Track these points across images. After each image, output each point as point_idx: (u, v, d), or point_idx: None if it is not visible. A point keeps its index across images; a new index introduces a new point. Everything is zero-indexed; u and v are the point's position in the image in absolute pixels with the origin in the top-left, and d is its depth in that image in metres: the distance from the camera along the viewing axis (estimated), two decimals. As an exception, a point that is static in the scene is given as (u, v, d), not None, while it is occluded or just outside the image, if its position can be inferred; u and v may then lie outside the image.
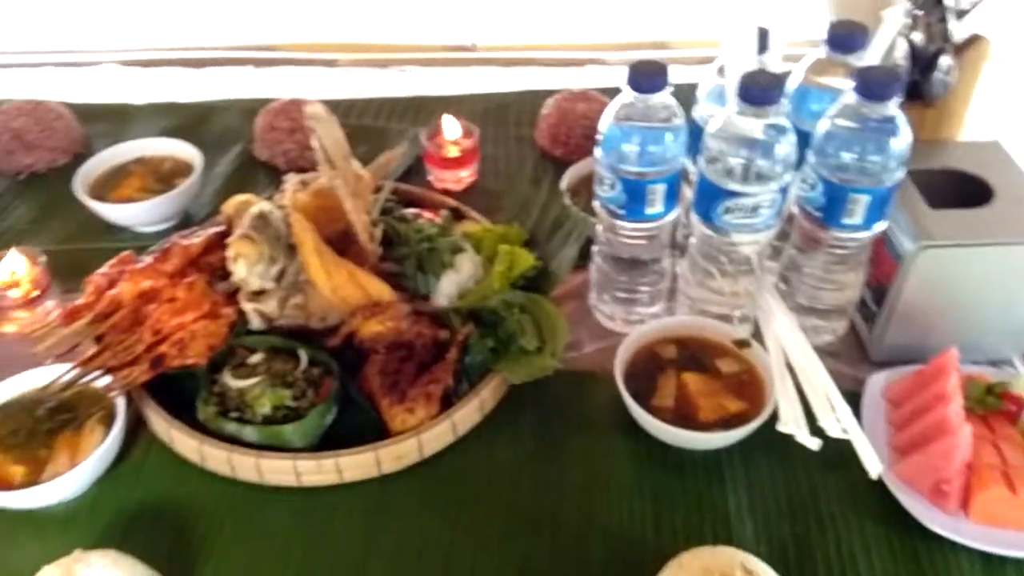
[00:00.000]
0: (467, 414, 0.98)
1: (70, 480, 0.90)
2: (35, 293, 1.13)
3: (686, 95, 0.97)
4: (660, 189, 0.94)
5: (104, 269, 1.06)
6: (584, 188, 1.23)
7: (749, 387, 0.96)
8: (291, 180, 1.17)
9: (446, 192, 1.32)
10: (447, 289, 1.09)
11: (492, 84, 1.68)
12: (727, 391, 0.96)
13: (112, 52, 1.88)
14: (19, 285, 1.12)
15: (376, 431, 0.97)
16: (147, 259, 1.05)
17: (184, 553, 0.89)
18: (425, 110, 1.57)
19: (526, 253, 1.10)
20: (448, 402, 0.99)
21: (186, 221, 1.33)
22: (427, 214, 1.21)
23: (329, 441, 0.96)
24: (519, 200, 1.25)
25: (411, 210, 1.20)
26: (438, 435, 0.96)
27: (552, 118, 1.41)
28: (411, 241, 1.11)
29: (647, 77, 0.88)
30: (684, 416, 0.93)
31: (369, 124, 1.54)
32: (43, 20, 2.00)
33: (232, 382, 0.97)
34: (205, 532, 0.91)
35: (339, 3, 2.09)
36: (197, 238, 1.10)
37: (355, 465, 0.93)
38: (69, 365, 0.98)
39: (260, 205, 1.04)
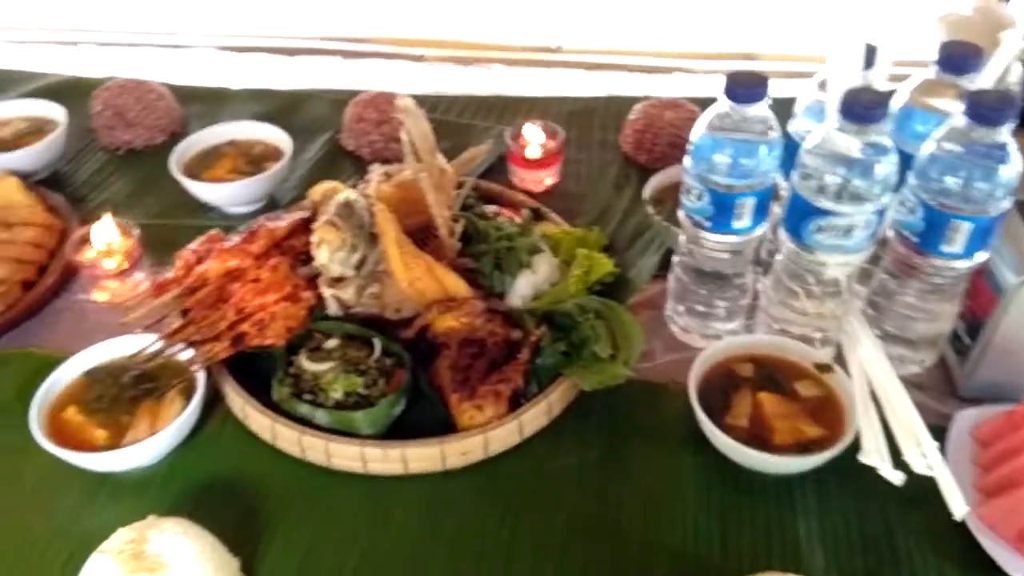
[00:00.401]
0: (534, 416, 0.97)
1: (148, 447, 0.93)
2: (127, 264, 1.17)
3: (780, 109, 0.95)
4: (749, 203, 0.92)
5: (193, 245, 1.10)
6: (668, 197, 1.21)
7: (828, 413, 0.93)
8: (376, 171, 1.19)
9: (527, 192, 1.32)
10: (522, 289, 1.09)
11: (576, 87, 1.67)
12: (804, 415, 0.93)
13: (210, 37, 1.95)
14: (113, 255, 1.16)
15: (443, 425, 0.97)
16: (234, 239, 1.08)
17: (251, 528, 0.91)
18: (510, 109, 1.58)
19: (604, 259, 1.08)
20: (516, 403, 0.98)
21: (272, 204, 1.36)
22: (507, 213, 1.21)
23: (396, 431, 0.97)
24: (600, 205, 1.24)
25: (491, 207, 1.20)
26: (504, 435, 0.96)
27: (638, 124, 1.39)
28: (490, 239, 1.11)
29: (745, 87, 0.86)
30: (758, 437, 0.91)
31: (453, 120, 1.55)
32: (147, 2, 2.09)
33: (308, 365, 0.99)
34: (272, 510, 0.93)
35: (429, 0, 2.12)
36: (283, 222, 1.13)
37: (420, 457, 0.94)
38: (155, 336, 1.01)
39: (346, 193, 1.05)
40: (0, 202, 1.26)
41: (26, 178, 1.33)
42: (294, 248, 1.12)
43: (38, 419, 0.93)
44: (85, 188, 1.41)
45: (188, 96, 1.61)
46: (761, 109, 0.88)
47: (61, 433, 0.94)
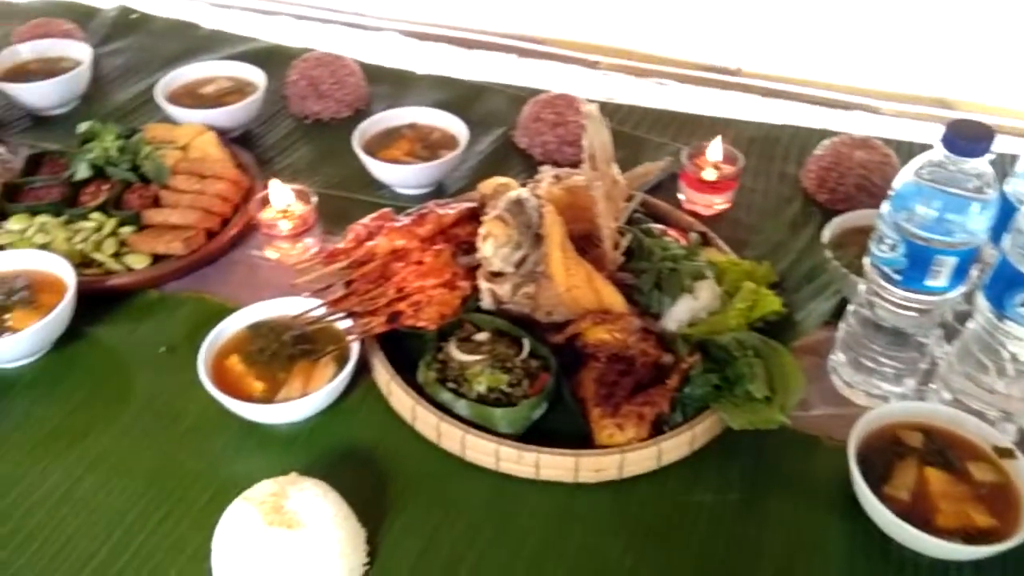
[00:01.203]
0: (675, 445, 0.94)
1: (299, 406, 0.97)
2: (301, 228, 1.22)
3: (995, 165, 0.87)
4: (950, 262, 0.84)
5: (365, 220, 1.13)
6: (850, 242, 1.14)
7: (1003, 502, 0.84)
8: (547, 172, 1.19)
9: (694, 215, 1.28)
10: (680, 314, 1.05)
11: (751, 112, 1.60)
12: (976, 500, 0.85)
13: (395, 21, 2.01)
14: (290, 218, 1.22)
15: (578, 437, 0.96)
16: (404, 220, 1.11)
17: (379, 502, 0.92)
18: (687, 128, 1.54)
19: (772, 296, 1.03)
20: (658, 428, 0.95)
21: (440, 190, 1.39)
22: (673, 233, 1.17)
23: (531, 434, 0.96)
24: (772, 239, 1.18)
25: (658, 226, 1.18)
26: (642, 458, 0.93)
27: (824, 161, 1.32)
28: (654, 257, 1.09)
29: (968, 139, 0.79)
30: (919, 514, 0.84)
31: (628, 132, 1.53)
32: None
33: (456, 354, 1.00)
34: (402, 489, 0.94)
35: (609, 7, 2.10)
36: (451, 209, 1.14)
37: (553, 465, 0.93)
38: (319, 301, 1.05)
39: (519, 191, 1.05)
40: (197, 154, 1.36)
41: (222, 134, 1.42)
42: (457, 237, 1.14)
43: (205, 363, 0.99)
44: (272, 151, 1.49)
45: (375, 75, 1.66)
46: (981, 164, 0.81)
47: (223, 379, 0.99)
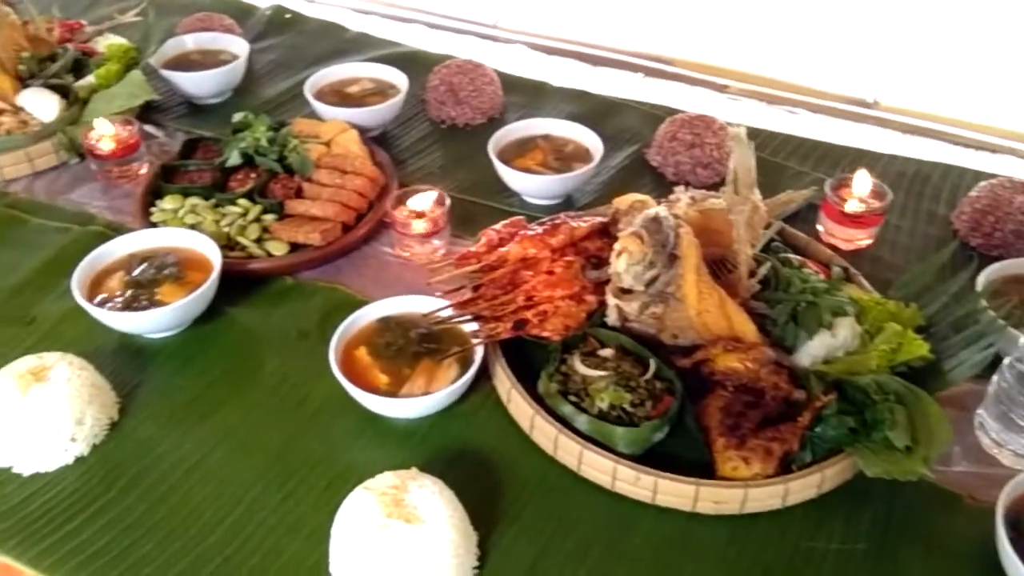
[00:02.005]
0: (803, 486, 0.90)
1: (422, 403, 0.98)
2: (432, 229, 1.25)
3: None
4: None
5: (497, 227, 1.14)
6: (1009, 291, 1.06)
7: None
8: (683, 193, 1.16)
9: (832, 248, 1.23)
10: (815, 350, 1.01)
11: (885, 146, 1.52)
12: None
13: (526, 35, 2.02)
14: (423, 219, 1.24)
15: (699, 466, 0.93)
16: (537, 229, 1.11)
17: (493, 507, 0.92)
18: (829, 158, 1.48)
19: (919, 341, 0.98)
20: (786, 467, 0.92)
21: (569, 202, 1.39)
22: (812, 265, 1.13)
23: (649, 457, 0.94)
24: (920, 282, 1.12)
25: (796, 257, 1.13)
26: (766, 496, 0.90)
27: (980, 203, 1.25)
28: (791, 288, 1.05)
29: None
30: (1074, 592, 0.77)
31: (766, 157, 1.48)
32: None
33: (580, 368, 0.99)
34: (514, 497, 0.94)
35: (740, 30, 2.06)
36: (584, 222, 1.14)
37: (672, 492, 0.90)
38: (447, 302, 1.06)
39: (656, 210, 1.04)
40: (339, 150, 1.40)
41: (362, 133, 1.46)
42: (587, 250, 1.13)
43: (335, 352, 1.01)
44: (407, 152, 1.52)
45: (510, 85, 1.68)
46: None
47: (350, 369, 1.02)
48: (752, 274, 1.06)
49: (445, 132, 1.59)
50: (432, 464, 0.96)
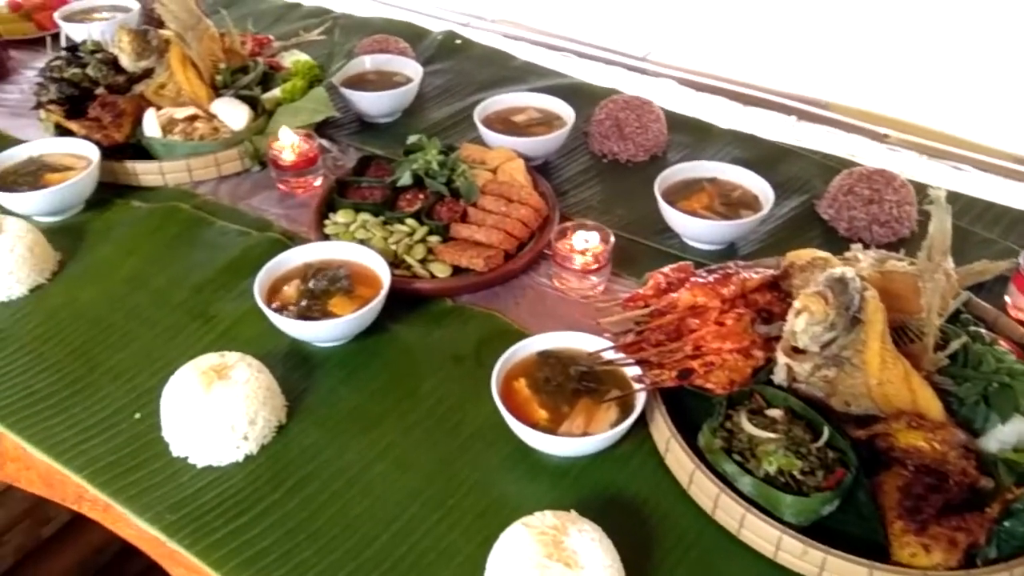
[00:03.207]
0: (989, 585, 0.83)
1: (580, 444, 0.98)
2: (593, 266, 1.24)
3: None
4: None
5: (666, 270, 1.12)
6: None
7: None
8: (863, 252, 1.12)
9: (1022, 324, 1.14)
10: (1007, 436, 0.94)
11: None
12: None
13: (675, 69, 2.00)
14: (586, 255, 1.24)
15: (870, 546, 0.88)
16: (707, 277, 1.08)
17: (645, 558, 0.91)
18: (1020, 226, 1.38)
19: None
20: (969, 560, 0.85)
21: (731, 249, 1.35)
22: (1004, 343, 1.05)
23: (815, 529, 0.90)
24: None
25: (988, 333, 1.06)
26: (945, 589, 0.83)
27: None
28: (983, 366, 0.98)
29: None
30: None
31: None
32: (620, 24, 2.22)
33: (747, 426, 0.96)
34: (669, 551, 0.92)
35: (903, 76, 1.96)
36: (755, 274, 1.11)
37: (842, 571, 0.86)
38: (610, 342, 1.05)
39: (843, 270, 0.99)
40: (505, 177, 1.42)
41: (526, 162, 1.48)
42: (756, 303, 1.10)
43: (497, 380, 1.02)
44: (568, 184, 1.53)
45: (675, 123, 1.66)
46: None
47: (509, 399, 1.02)
48: (938, 347, 0.99)
49: (606, 166, 1.58)
50: (584, 506, 0.94)
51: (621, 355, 1.04)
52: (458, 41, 2.02)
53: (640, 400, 1.00)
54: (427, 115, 1.75)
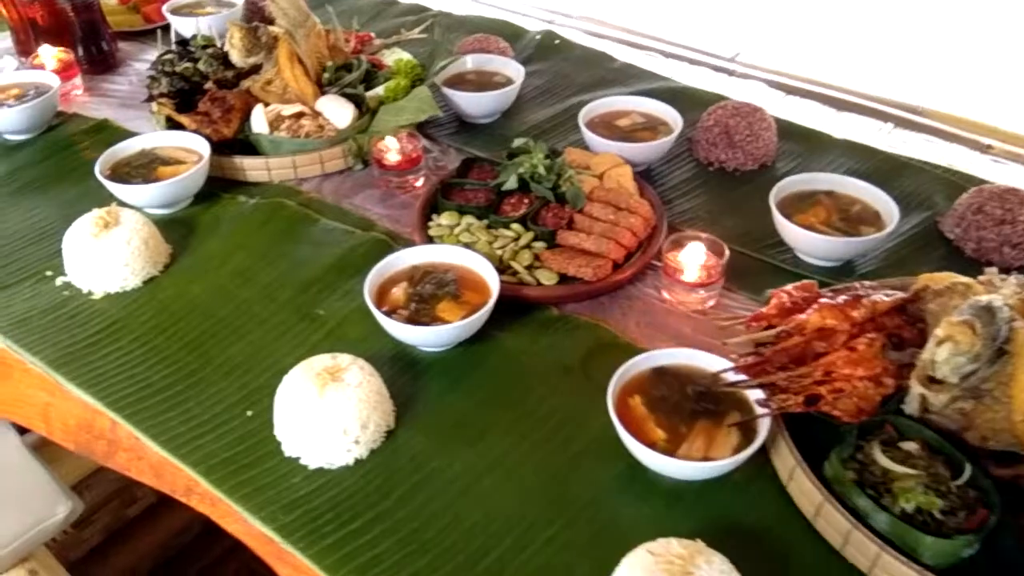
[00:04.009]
0: None
1: (702, 468, 0.94)
2: (710, 280, 1.20)
3: None
4: None
5: (789, 288, 1.08)
6: None
7: None
8: (1007, 279, 1.05)
9: None
10: None
11: None
12: None
13: (763, 71, 1.95)
14: (696, 268, 1.20)
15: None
16: (835, 298, 1.04)
17: (769, 594, 0.87)
18: None
19: None
20: None
21: (847, 267, 1.30)
22: None
23: (952, 571, 0.84)
24: None
25: None
26: (1104, 650, 0.77)
27: None
28: None
29: None
30: None
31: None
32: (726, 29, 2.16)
33: (881, 459, 0.91)
34: (793, 587, 0.88)
35: (1006, 86, 1.85)
36: (884, 296, 1.05)
37: (986, 622, 0.80)
38: (729, 363, 1.01)
39: (990, 298, 0.93)
40: (612, 184, 1.39)
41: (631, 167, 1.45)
42: (884, 326, 1.04)
43: (613, 397, 0.99)
44: (673, 192, 1.49)
45: (784, 131, 1.60)
46: None
47: (624, 416, 0.99)
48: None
49: (713, 175, 1.54)
50: (704, 534, 0.90)
51: (743, 377, 0.99)
52: (556, 41, 2.00)
53: (764, 426, 0.96)
54: (526, 116, 1.73)
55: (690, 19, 2.30)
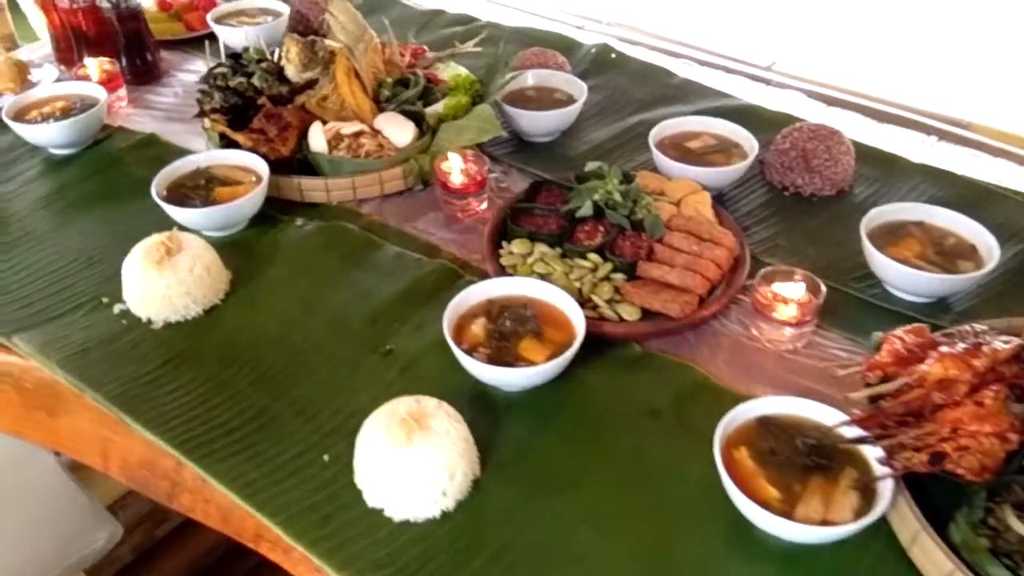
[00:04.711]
0: None
1: (822, 532, 0.88)
2: (800, 318, 1.14)
3: None
4: None
5: (900, 334, 1.02)
6: None
7: None
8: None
9: None
10: None
11: None
12: None
13: (801, 80, 1.90)
14: (788, 304, 1.14)
15: None
16: (953, 344, 0.97)
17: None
18: None
19: None
20: None
21: (942, 303, 1.23)
22: None
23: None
24: None
25: None
26: None
27: None
28: None
29: None
30: None
31: None
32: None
33: (1017, 524, 0.85)
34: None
35: None
36: (1002, 342, 0.99)
37: None
38: (839, 412, 0.96)
39: None
40: (690, 211, 1.33)
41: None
42: (1004, 376, 0.98)
43: (720, 451, 0.93)
44: (747, 219, 1.43)
45: (861, 154, 1.54)
46: None
47: (732, 471, 0.93)
48: None
49: (788, 200, 1.48)
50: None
51: (862, 432, 0.93)
52: (613, 55, 1.94)
53: (888, 487, 0.90)
54: (586, 135, 1.67)
55: (723, 25, 2.24)
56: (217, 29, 1.93)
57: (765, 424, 0.99)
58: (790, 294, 1.14)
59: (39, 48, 2.04)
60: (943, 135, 1.69)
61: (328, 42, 1.59)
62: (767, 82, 1.94)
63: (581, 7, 2.26)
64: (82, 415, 1.16)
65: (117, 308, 1.25)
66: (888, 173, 1.53)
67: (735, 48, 2.06)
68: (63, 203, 1.50)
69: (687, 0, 2.47)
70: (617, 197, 1.31)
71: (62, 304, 1.27)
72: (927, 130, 1.71)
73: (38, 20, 2.83)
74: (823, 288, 1.15)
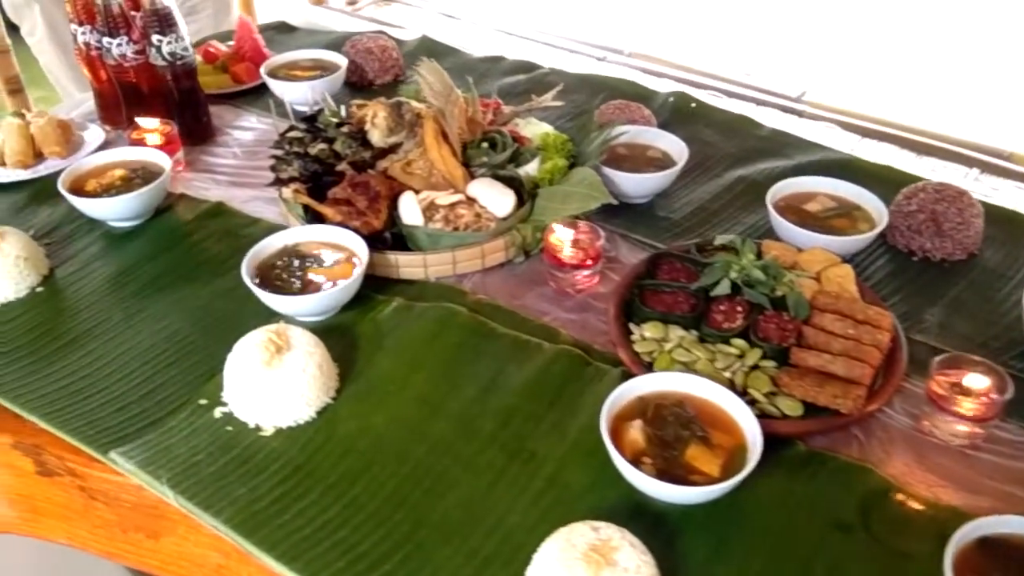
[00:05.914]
0: None
1: None
2: (983, 414, 1.04)
3: None
4: None
5: None
6: None
7: None
8: None
9: None
10: None
11: None
12: None
13: (834, 112, 1.84)
14: (972, 399, 1.04)
15: None
16: None
17: None
18: None
19: None
20: None
21: None
22: None
23: None
24: None
25: None
26: None
27: None
28: None
29: None
30: None
31: None
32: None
33: None
34: None
35: None
36: None
37: None
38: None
39: None
40: (833, 287, 1.23)
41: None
42: None
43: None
44: (879, 287, 1.33)
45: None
46: None
47: (969, 608, 0.82)
48: None
49: (916, 266, 1.38)
50: None
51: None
52: (693, 105, 1.85)
53: None
54: (683, 194, 1.57)
55: (747, 54, 2.18)
56: (273, 84, 1.82)
57: (988, 546, 0.88)
58: (974, 385, 1.05)
59: (79, 105, 1.91)
60: (984, 167, 1.63)
61: (415, 104, 1.48)
62: (799, 114, 1.88)
63: (602, 38, 2.20)
64: (192, 538, 1.04)
65: (218, 412, 1.12)
66: (1013, 231, 1.45)
67: (762, 78, 2.00)
68: (135, 285, 1.37)
69: (708, 29, 2.42)
70: (757, 274, 1.21)
71: (156, 409, 1.13)
72: (968, 162, 1.64)
73: (56, 64, 2.70)
74: (1010, 385, 1.05)
